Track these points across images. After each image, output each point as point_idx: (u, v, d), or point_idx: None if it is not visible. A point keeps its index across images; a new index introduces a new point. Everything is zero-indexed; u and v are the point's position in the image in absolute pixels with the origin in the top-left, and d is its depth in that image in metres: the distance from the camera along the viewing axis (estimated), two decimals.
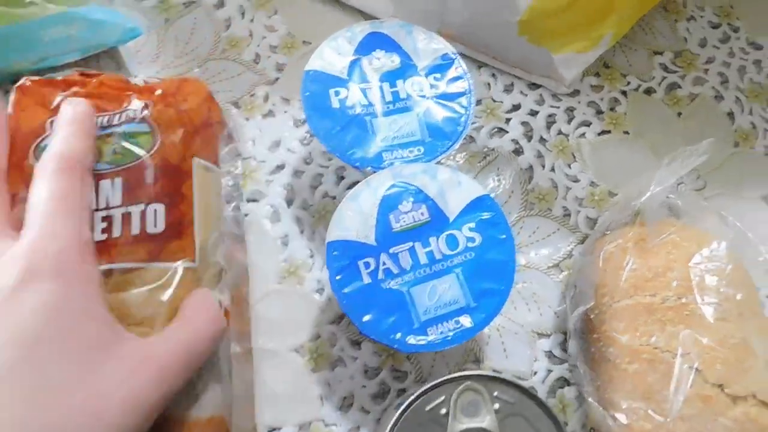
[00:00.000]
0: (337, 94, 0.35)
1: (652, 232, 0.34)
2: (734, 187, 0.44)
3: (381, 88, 0.36)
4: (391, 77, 0.36)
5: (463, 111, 0.36)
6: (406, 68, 0.37)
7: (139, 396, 0.22)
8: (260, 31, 0.44)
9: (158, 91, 0.30)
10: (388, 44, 0.37)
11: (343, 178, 0.40)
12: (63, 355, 0.21)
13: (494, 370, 0.37)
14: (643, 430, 0.30)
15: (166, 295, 0.27)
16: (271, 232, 0.38)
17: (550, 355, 0.38)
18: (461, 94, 0.36)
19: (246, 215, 0.38)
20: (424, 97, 0.36)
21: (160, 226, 0.27)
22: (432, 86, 0.36)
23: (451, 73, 0.37)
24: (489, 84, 0.45)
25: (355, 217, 0.32)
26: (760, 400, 0.30)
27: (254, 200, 0.39)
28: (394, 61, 0.37)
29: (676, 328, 0.32)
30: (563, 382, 0.37)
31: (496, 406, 0.25)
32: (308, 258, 0.38)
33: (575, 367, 0.36)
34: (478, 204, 0.33)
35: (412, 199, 0.33)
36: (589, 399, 0.32)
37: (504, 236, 0.32)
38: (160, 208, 0.27)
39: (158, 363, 0.23)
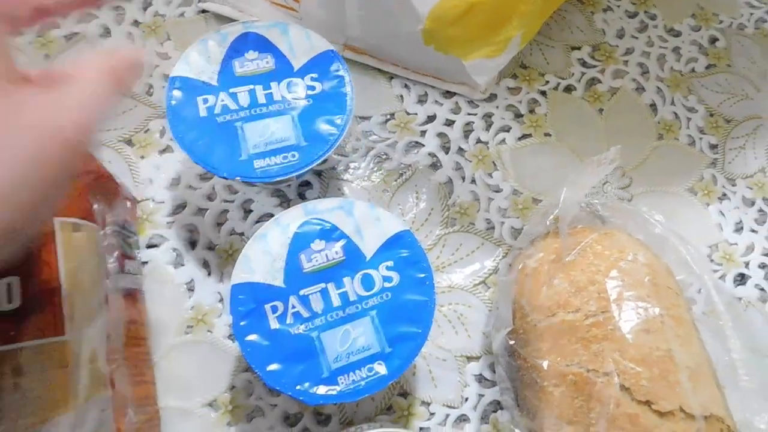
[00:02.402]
0: (205, 101, 0.33)
1: (568, 244, 0.33)
2: (660, 182, 0.43)
3: (253, 91, 0.34)
4: (264, 79, 0.34)
5: (341, 112, 0.34)
6: (281, 69, 0.34)
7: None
8: (153, 59, 0.41)
9: None
10: (262, 45, 0.35)
11: (250, 211, 0.38)
12: None
13: (405, 397, 0.35)
14: None
15: (33, 378, 0.24)
16: (175, 279, 0.36)
17: (480, 378, 0.36)
18: (340, 95, 0.34)
19: (145, 263, 0.36)
20: (300, 98, 0.34)
21: (16, 302, 0.24)
22: (309, 87, 0.34)
23: (330, 72, 0.34)
24: (401, 96, 0.43)
25: (262, 258, 0.30)
26: (687, 413, 0.29)
27: (154, 245, 0.36)
28: (268, 62, 0.34)
29: (600, 345, 0.30)
30: (496, 405, 0.35)
31: None
32: (217, 303, 0.36)
33: (506, 390, 0.34)
34: (397, 241, 0.31)
35: (325, 237, 0.31)
36: (516, 430, 0.31)
37: (423, 275, 0.31)
38: (15, 281, 0.25)
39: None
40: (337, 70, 0.35)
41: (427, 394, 0.35)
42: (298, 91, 0.34)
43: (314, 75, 0.35)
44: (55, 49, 0.40)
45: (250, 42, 0.35)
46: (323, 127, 0.33)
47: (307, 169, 0.32)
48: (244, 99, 0.34)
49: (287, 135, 0.33)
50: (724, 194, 0.43)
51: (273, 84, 0.34)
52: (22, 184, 0.18)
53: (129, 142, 0.38)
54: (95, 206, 0.29)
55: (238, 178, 0.32)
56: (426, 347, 0.36)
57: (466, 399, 0.35)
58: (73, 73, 0.22)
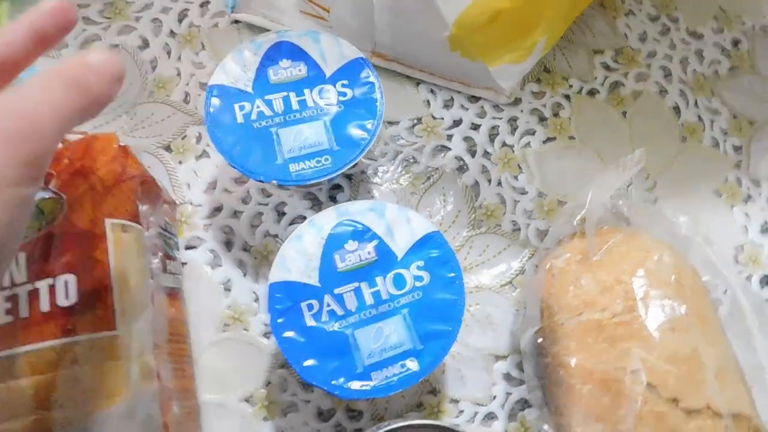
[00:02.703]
0: (241, 108, 0.34)
1: (595, 244, 0.33)
2: (685, 184, 0.43)
3: (287, 98, 0.35)
4: (297, 87, 0.35)
5: (372, 117, 0.35)
6: (314, 77, 0.36)
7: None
8: (188, 68, 0.43)
9: (64, 158, 0.28)
10: (295, 53, 0.36)
11: (284, 214, 0.39)
12: None
13: (434, 393, 0.36)
14: None
15: (89, 369, 0.26)
16: (212, 279, 0.37)
17: (508, 377, 0.37)
18: (371, 100, 0.35)
19: (184, 264, 0.37)
20: (332, 104, 0.35)
21: (73, 298, 0.26)
22: (340, 93, 0.35)
23: (360, 79, 0.36)
24: (428, 101, 0.44)
25: (298, 258, 0.31)
26: (714, 411, 0.29)
27: (192, 247, 0.38)
28: (301, 70, 0.36)
29: (627, 344, 0.31)
30: (523, 404, 0.36)
31: None
32: (253, 302, 0.37)
33: (534, 387, 0.35)
34: (427, 241, 0.32)
35: (358, 238, 0.32)
36: (545, 426, 0.32)
37: (453, 274, 0.31)
38: (71, 278, 0.26)
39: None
40: (367, 77, 0.36)
41: (456, 391, 0.36)
42: (330, 98, 0.35)
43: (345, 82, 0.36)
44: None
45: (283, 51, 0.36)
46: (354, 131, 0.35)
47: (339, 172, 0.34)
48: (278, 105, 0.35)
49: (320, 140, 0.34)
50: (749, 196, 0.44)
51: (306, 91, 0.35)
52: None
53: (168, 148, 0.40)
54: (141, 209, 0.31)
55: (275, 181, 0.33)
56: (455, 346, 0.37)
57: (494, 397, 0.36)
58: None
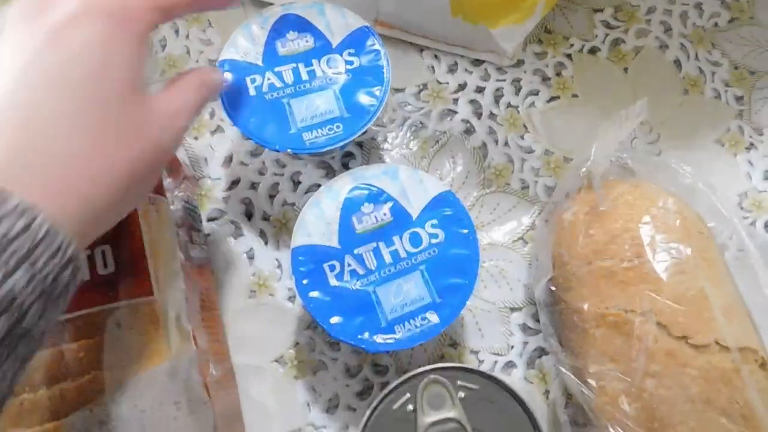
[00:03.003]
0: (253, 81, 0.35)
1: (601, 196, 0.34)
2: (688, 135, 0.44)
3: (296, 69, 0.36)
4: (306, 57, 0.36)
5: (379, 84, 0.36)
6: (321, 47, 0.37)
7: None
8: (197, 46, 0.44)
9: None
10: (301, 25, 0.37)
11: (299, 183, 0.41)
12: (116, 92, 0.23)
13: (455, 347, 0.38)
14: (616, 391, 0.31)
15: (131, 332, 0.27)
16: (235, 249, 0.39)
17: (524, 327, 0.38)
18: (377, 68, 0.36)
19: (208, 235, 0.39)
20: (340, 73, 0.36)
21: (111, 267, 0.28)
22: (347, 62, 0.36)
23: (366, 47, 0.37)
24: (432, 67, 0.45)
25: (317, 222, 0.33)
26: (722, 345, 0.31)
27: (214, 219, 0.39)
28: (308, 41, 0.37)
29: (637, 288, 0.32)
30: (540, 351, 0.38)
31: (462, 394, 0.26)
32: (275, 268, 0.39)
33: (550, 335, 0.36)
34: (440, 201, 0.33)
35: (374, 201, 0.33)
36: (562, 368, 0.33)
37: (466, 231, 0.33)
38: (107, 249, 0.28)
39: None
40: (373, 45, 0.37)
41: (476, 343, 0.38)
42: (337, 67, 0.36)
43: (351, 50, 0.37)
44: None
45: (290, 23, 0.37)
46: (363, 98, 0.36)
47: (351, 138, 0.35)
48: (288, 77, 0.36)
49: (331, 108, 0.35)
50: (752, 144, 0.45)
51: (314, 61, 0.36)
52: (125, 190, 0.23)
53: None
54: (165, 183, 0.32)
55: (290, 150, 0.34)
56: (471, 300, 0.38)
57: (512, 347, 0.38)
58: (171, 86, 0.27)
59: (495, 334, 0.38)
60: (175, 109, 0.26)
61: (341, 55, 0.37)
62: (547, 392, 0.37)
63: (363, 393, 0.37)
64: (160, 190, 0.31)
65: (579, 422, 0.34)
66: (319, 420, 0.36)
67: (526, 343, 0.38)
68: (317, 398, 0.36)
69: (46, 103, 0.21)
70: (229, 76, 0.35)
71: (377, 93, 0.36)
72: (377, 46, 0.37)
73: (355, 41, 0.37)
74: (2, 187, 0.19)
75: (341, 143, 0.35)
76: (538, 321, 0.38)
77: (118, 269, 0.28)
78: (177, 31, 0.44)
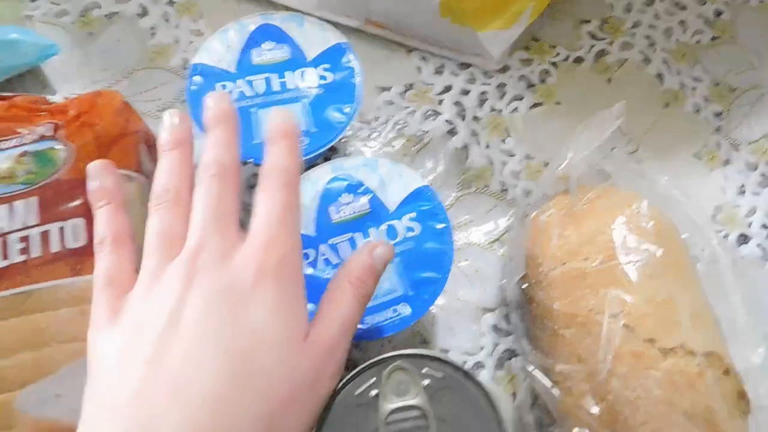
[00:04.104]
0: (223, 87, 0.35)
1: (576, 199, 0.35)
2: (666, 147, 0.45)
3: (268, 79, 0.36)
4: (279, 69, 0.36)
5: (350, 102, 0.36)
6: (296, 60, 0.37)
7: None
8: (186, 36, 0.44)
9: (71, 110, 0.30)
10: (279, 36, 0.37)
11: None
12: (281, 344, 0.24)
13: (425, 344, 0.38)
14: (581, 391, 0.31)
15: None
16: None
17: (495, 328, 0.39)
18: (350, 85, 0.36)
19: None
20: (312, 87, 0.36)
21: (82, 241, 0.27)
22: (321, 77, 0.37)
23: (342, 63, 0.37)
24: (419, 68, 0.45)
25: None
26: (688, 350, 0.31)
27: None
28: (284, 52, 0.37)
29: (607, 290, 0.33)
30: (510, 354, 0.38)
31: (426, 382, 0.26)
32: None
33: (520, 336, 0.36)
34: (418, 195, 0.34)
35: (352, 192, 0.34)
36: (529, 368, 0.33)
37: (442, 225, 0.33)
38: (80, 222, 0.28)
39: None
40: (348, 62, 0.37)
41: (447, 342, 0.38)
42: (310, 81, 0.36)
43: (326, 66, 0.37)
44: (97, 28, 0.43)
45: (267, 33, 0.37)
46: (333, 114, 0.36)
47: (315, 153, 0.35)
48: (260, 86, 0.36)
49: (299, 121, 0.35)
50: (728, 159, 0.45)
51: (287, 73, 0.37)
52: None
53: None
54: (144, 163, 0.32)
55: (252, 160, 0.34)
56: (444, 299, 0.39)
57: (482, 347, 0.38)
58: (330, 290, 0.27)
59: (466, 334, 0.38)
60: (337, 331, 0.26)
61: (315, 69, 0.37)
62: (514, 395, 0.37)
63: None
64: (138, 168, 0.31)
65: (544, 423, 0.34)
66: None
67: (496, 344, 0.38)
68: None
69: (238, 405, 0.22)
70: None
71: (347, 110, 0.36)
72: (353, 64, 0.37)
73: (331, 56, 0.37)
74: None
75: (305, 157, 0.35)
76: (510, 323, 0.38)
77: (89, 243, 0.28)
78: (167, 20, 0.44)
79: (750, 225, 0.43)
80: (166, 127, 0.28)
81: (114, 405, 0.21)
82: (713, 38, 0.49)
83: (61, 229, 0.27)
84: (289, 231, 0.26)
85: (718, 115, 0.47)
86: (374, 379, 0.26)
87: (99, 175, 0.28)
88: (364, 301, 0.27)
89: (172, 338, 0.22)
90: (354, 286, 0.27)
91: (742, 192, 0.44)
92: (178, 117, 0.28)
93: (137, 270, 0.25)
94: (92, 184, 0.28)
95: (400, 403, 0.25)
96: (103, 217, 0.27)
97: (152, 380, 0.21)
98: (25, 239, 0.27)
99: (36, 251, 0.27)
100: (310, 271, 0.32)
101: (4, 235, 0.26)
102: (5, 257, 0.26)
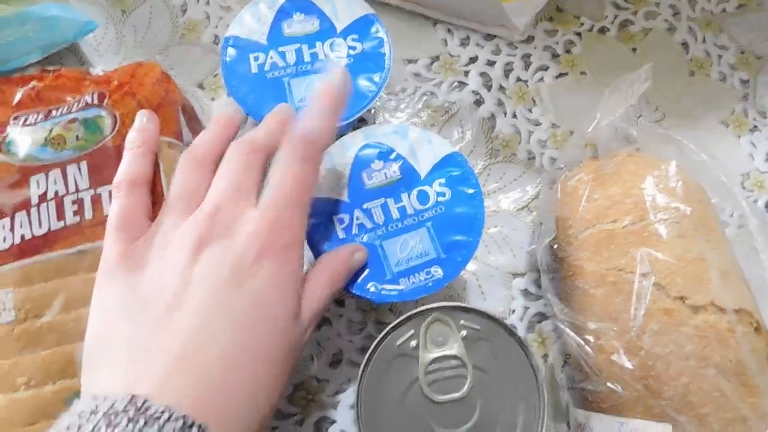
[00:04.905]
0: (256, 59, 0.36)
1: (604, 163, 0.35)
2: (693, 116, 0.45)
3: (299, 50, 0.37)
4: (310, 40, 0.37)
5: (380, 70, 0.37)
6: (326, 31, 0.38)
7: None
8: (216, 12, 0.45)
9: (114, 80, 0.31)
10: (308, 8, 0.38)
11: None
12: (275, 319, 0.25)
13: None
14: (613, 348, 0.32)
15: None
16: None
17: (525, 293, 0.39)
18: (379, 55, 0.37)
19: None
20: (342, 57, 0.37)
21: None
22: (351, 47, 0.37)
23: (370, 34, 0.38)
24: (445, 40, 0.46)
25: (328, 176, 0.34)
26: (718, 306, 0.31)
27: None
28: (314, 24, 0.38)
29: (637, 250, 0.33)
30: (540, 317, 0.39)
31: (463, 333, 0.27)
32: None
33: (551, 298, 0.37)
34: (448, 161, 0.34)
35: (384, 158, 0.34)
36: (561, 325, 0.34)
37: (473, 191, 0.34)
38: None
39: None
40: (377, 32, 0.38)
41: (478, 306, 0.38)
42: (340, 51, 0.37)
43: (355, 36, 0.38)
44: (130, 5, 0.44)
45: (297, 4, 0.38)
46: (363, 83, 0.36)
47: (347, 122, 0.36)
48: (291, 57, 0.37)
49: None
50: (755, 126, 0.45)
51: (318, 44, 0.37)
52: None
53: (201, 86, 0.42)
54: (184, 132, 0.33)
55: None
56: (475, 264, 0.39)
57: (513, 311, 0.39)
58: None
59: (497, 298, 0.39)
60: (313, 314, 0.28)
61: (345, 40, 0.38)
62: (545, 356, 0.38)
63: (366, 349, 0.37)
64: (178, 136, 0.32)
65: (576, 380, 0.35)
66: (322, 373, 0.37)
67: (527, 308, 0.39)
68: (321, 353, 0.37)
69: (233, 348, 0.23)
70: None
71: (377, 79, 0.36)
72: (381, 34, 0.38)
73: (359, 27, 0.38)
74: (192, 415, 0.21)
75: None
76: (539, 287, 0.39)
77: None
78: None
79: None
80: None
81: (126, 358, 0.22)
82: (738, 6, 0.49)
83: (111, 192, 0.28)
84: (295, 209, 0.27)
85: (744, 82, 0.47)
86: (413, 330, 0.27)
87: (141, 121, 0.29)
88: (336, 294, 0.30)
89: (183, 304, 0.23)
90: (333, 280, 0.29)
91: None
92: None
93: (151, 217, 0.27)
94: (132, 131, 0.29)
95: (439, 353, 0.26)
96: (126, 160, 0.28)
97: (163, 340, 0.23)
98: (77, 202, 0.28)
99: (89, 213, 0.28)
100: (344, 236, 0.33)
101: (59, 198, 0.28)
102: (61, 218, 0.27)
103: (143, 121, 0.29)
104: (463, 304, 0.27)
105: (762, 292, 0.36)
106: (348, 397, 0.36)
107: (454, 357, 0.26)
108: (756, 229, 0.37)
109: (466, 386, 0.26)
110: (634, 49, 0.47)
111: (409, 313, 0.27)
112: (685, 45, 0.47)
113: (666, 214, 0.33)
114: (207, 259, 0.24)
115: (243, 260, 0.25)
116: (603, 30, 0.47)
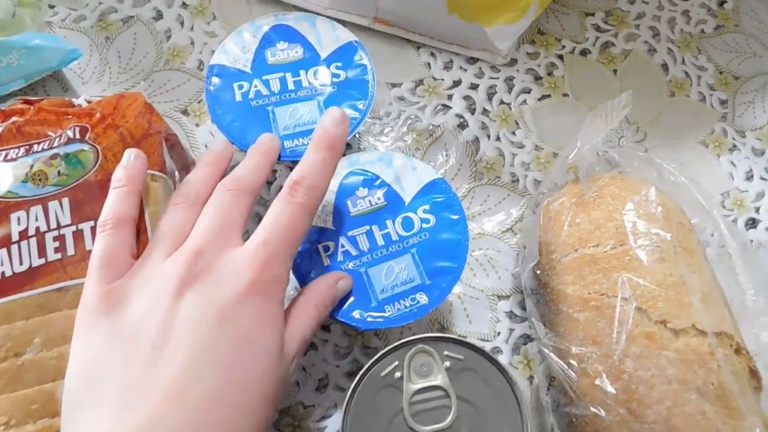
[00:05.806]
0: (240, 87, 0.36)
1: (587, 187, 0.36)
2: (673, 136, 0.46)
3: (283, 78, 0.37)
4: (294, 68, 0.38)
5: (363, 98, 0.37)
6: (310, 59, 0.38)
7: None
8: (201, 38, 0.45)
9: (96, 111, 0.31)
10: (292, 36, 0.38)
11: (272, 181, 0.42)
12: (261, 354, 0.25)
13: (443, 331, 0.39)
14: (597, 372, 0.32)
15: None
16: None
17: (511, 315, 0.40)
18: (363, 82, 0.37)
19: None
20: (326, 85, 0.37)
21: None
22: (334, 75, 0.38)
23: (354, 61, 0.38)
24: (429, 63, 0.46)
25: None
26: (699, 330, 0.32)
27: None
28: (297, 51, 0.38)
29: (619, 274, 0.34)
30: (526, 338, 0.39)
31: (447, 363, 0.27)
32: None
33: (535, 321, 0.37)
34: (432, 187, 0.35)
35: (368, 185, 0.35)
36: (545, 350, 0.34)
37: (457, 217, 0.34)
38: None
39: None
40: (360, 59, 0.38)
41: (464, 329, 0.39)
42: (324, 79, 0.37)
43: (339, 64, 0.38)
44: (114, 31, 0.44)
45: (281, 33, 0.38)
46: (347, 111, 0.37)
47: None
48: (275, 85, 0.37)
49: (314, 118, 0.36)
50: (735, 146, 0.46)
51: (302, 72, 0.38)
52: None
53: (185, 112, 0.42)
54: (167, 163, 0.33)
55: None
56: (460, 287, 0.40)
57: (499, 333, 0.39)
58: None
59: (482, 321, 0.39)
60: (299, 346, 0.28)
61: (328, 68, 0.38)
62: (531, 378, 0.38)
63: (352, 374, 0.37)
64: (162, 167, 0.32)
65: (561, 403, 0.35)
66: (309, 399, 0.37)
67: (512, 329, 0.39)
68: (307, 378, 0.37)
69: (222, 391, 0.23)
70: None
71: (360, 107, 0.37)
72: (364, 61, 0.38)
73: (343, 55, 0.38)
74: None
75: None
76: (524, 309, 0.39)
77: None
78: (182, 23, 0.45)
79: (758, 210, 0.44)
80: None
81: (113, 399, 0.22)
82: (716, 27, 0.50)
83: (93, 227, 0.28)
84: (287, 249, 0.27)
85: (723, 102, 0.47)
86: (397, 362, 0.27)
87: (129, 159, 0.29)
88: (321, 323, 0.30)
89: (168, 343, 0.23)
90: (318, 309, 0.29)
91: (749, 177, 0.45)
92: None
93: (135, 255, 0.27)
94: (118, 169, 0.29)
95: (424, 384, 0.26)
96: (112, 198, 0.28)
97: (150, 381, 0.23)
98: (59, 238, 0.28)
99: (70, 249, 0.28)
100: (329, 263, 0.33)
101: (41, 234, 0.28)
102: (42, 255, 0.27)
103: (131, 158, 0.29)
104: (446, 335, 0.27)
105: (741, 312, 0.36)
106: (334, 422, 0.36)
107: (439, 387, 0.26)
108: (735, 252, 0.37)
109: (450, 417, 0.26)
110: (615, 71, 0.47)
111: (394, 345, 0.27)
112: (664, 66, 0.48)
113: (646, 239, 0.33)
114: (191, 299, 0.24)
115: (229, 298, 0.25)
116: (584, 52, 0.48)
